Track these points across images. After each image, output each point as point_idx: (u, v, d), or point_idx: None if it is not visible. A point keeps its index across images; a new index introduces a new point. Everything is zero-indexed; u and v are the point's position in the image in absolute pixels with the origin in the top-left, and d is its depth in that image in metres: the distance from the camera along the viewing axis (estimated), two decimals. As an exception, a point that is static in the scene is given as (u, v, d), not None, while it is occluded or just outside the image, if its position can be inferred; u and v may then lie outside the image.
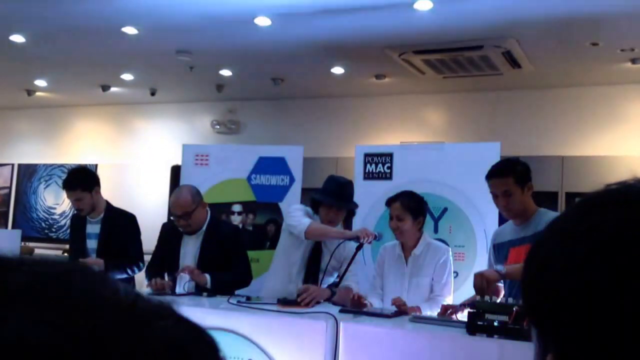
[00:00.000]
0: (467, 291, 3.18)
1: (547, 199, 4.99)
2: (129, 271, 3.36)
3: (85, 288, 0.33)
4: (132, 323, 0.32)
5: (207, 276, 3.04)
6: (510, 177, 2.64)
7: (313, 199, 3.18)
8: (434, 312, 2.71)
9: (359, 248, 2.95)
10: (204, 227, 3.23)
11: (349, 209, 3.17)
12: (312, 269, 3.10)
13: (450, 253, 3.04)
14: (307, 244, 3.10)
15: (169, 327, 0.34)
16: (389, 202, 3.00)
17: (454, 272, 3.44)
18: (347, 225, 3.65)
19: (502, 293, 2.75)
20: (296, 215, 3.11)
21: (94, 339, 0.30)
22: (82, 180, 3.38)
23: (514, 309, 2.16)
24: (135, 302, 0.34)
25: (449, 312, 2.61)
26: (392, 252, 3.06)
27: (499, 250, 2.82)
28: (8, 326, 0.28)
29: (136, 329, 0.32)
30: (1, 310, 0.29)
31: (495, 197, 2.70)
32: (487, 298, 2.31)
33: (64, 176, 3.54)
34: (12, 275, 0.32)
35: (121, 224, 3.44)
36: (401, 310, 2.66)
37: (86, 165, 7.23)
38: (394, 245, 3.07)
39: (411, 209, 2.94)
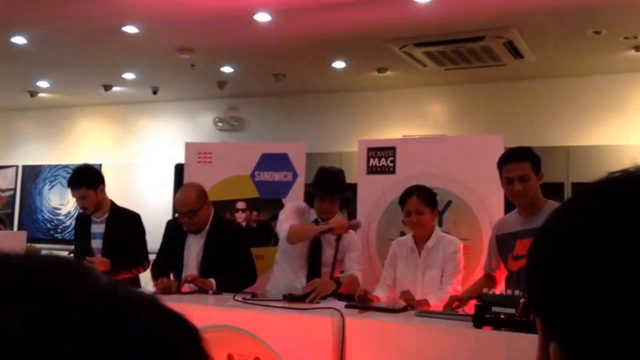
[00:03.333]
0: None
1: (553, 190, 4.95)
2: (134, 271, 3.36)
3: (65, 280, 0.34)
4: (112, 313, 0.33)
5: (212, 281, 3.03)
6: (528, 161, 2.62)
7: (306, 192, 3.19)
8: (440, 301, 2.71)
9: (338, 239, 2.97)
10: (207, 227, 3.22)
11: (341, 197, 3.15)
12: (314, 263, 3.09)
13: (461, 245, 3.03)
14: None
15: (150, 316, 0.34)
16: (404, 199, 2.99)
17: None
18: (353, 216, 3.64)
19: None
20: (281, 219, 3.12)
21: (70, 328, 0.30)
22: (87, 178, 3.38)
23: (521, 301, 2.15)
24: (116, 293, 0.34)
25: (455, 304, 2.60)
26: (404, 246, 3.07)
27: (504, 241, 2.80)
28: None
29: (115, 319, 0.32)
30: None
31: (510, 182, 2.65)
32: (493, 290, 2.30)
33: (69, 177, 3.54)
34: None
35: (126, 224, 3.44)
36: (409, 305, 2.65)
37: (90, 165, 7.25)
38: (406, 239, 3.09)
39: (428, 201, 2.96)
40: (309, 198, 3.16)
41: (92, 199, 3.36)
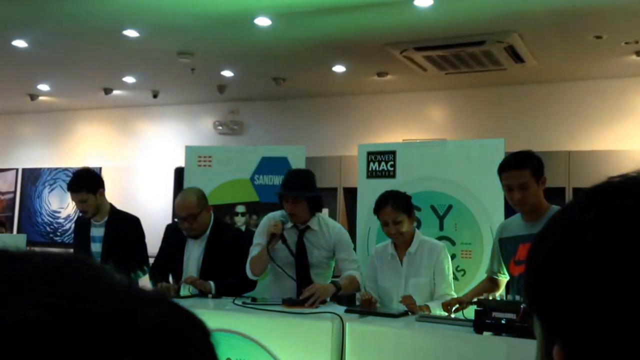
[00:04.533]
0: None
1: (555, 195, 4.91)
2: (133, 275, 3.35)
3: (81, 276, 0.36)
4: (126, 307, 0.35)
5: (212, 283, 3.03)
6: (527, 169, 2.57)
7: (278, 197, 3.13)
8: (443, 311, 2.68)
9: (284, 241, 2.96)
10: (208, 231, 3.22)
11: (305, 197, 2.99)
12: (301, 265, 3.05)
13: (445, 249, 2.97)
14: (290, 242, 3.04)
15: (161, 311, 0.36)
16: (377, 209, 2.89)
17: (462, 270, 3.40)
18: (351, 223, 3.61)
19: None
20: (251, 248, 3.07)
21: (88, 321, 0.32)
22: (86, 181, 3.38)
23: (522, 306, 2.14)
24: (129, 289, 0.36)
25: (456, 307, 2.58)
26: (384, 253, 2.98)
27: (507, 245, 2.76)
28: (11, 309, 0.32)
29: (129, 313, 0.34)
30: (6, 295, 0.33)
31: (509, 190, 2.61)
32: (493, 295, 2.29)
33: (68, 180, 3.54)
34: (17, 265, 0.35)
35: (125, 227, 3.44)
36: (410, 309, 2.63)
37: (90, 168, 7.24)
38: (385, 246, 3.00)
39: (404, 208, 2.86)
40: (281, 202, 3.07)
41: (92, 203, 3.36)
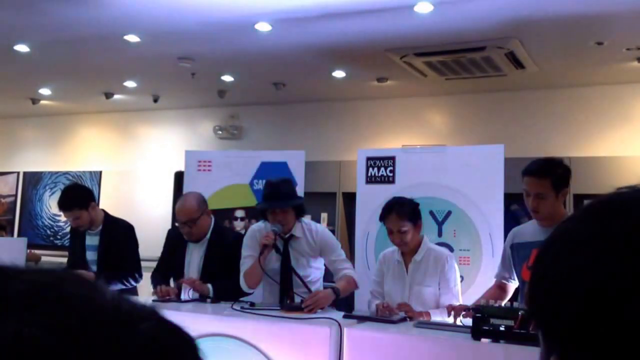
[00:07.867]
0: (473, 295, 3.14)
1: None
2: (126, 283, 3.35)
3: (75, 294, 0.37)
4: (117, 324, 0.36)
5: (210, 286, 3.04)
6: (548, 179, 2.53)
7: (259, 210, 3.12)
8: (442, 318, 2.66)
9: (277, 250, 2.96)
10: (208, 235, 3.22)
11: (292, 206, 3.01)
12: (286, 273, 3.05)
13: (454, 258, 2.97)
14: (277, 249, 3.04)
15: (151, 328, 0.37)
16: (383, 216, 2.88)
17: (460, 276, 3.38)
18: (350, 228, 3.60)
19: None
20: (241, 262, 3.05)
21: (82, 339, 0.33)
22: (77, 199, 3.37)
23: (520, 313, 2.13)
24: (119, 307, 0.37)
25: (463, 313, 2.56)
26: (391, 259, 2.98)
27: (519, 250, 2.73)
28: (7, 327, 0.32)
29: (120, 330, 0.35)
30: (2, 314, 0.33)
31: (527, 195, 2.59)
32: (492, 302, 2.28)
33: (69, 183, 3.54)
34: (12, 283, 0.36)
35: (119, 235, 3.44)
36: (407, 316, 2.62)
37: (90, 172, 7.25)
38: (393, 251, 2.99)
39: (409, 216, 2.84)
40: (263, 214, 3.07)
41: (85, 218, 3.38)
